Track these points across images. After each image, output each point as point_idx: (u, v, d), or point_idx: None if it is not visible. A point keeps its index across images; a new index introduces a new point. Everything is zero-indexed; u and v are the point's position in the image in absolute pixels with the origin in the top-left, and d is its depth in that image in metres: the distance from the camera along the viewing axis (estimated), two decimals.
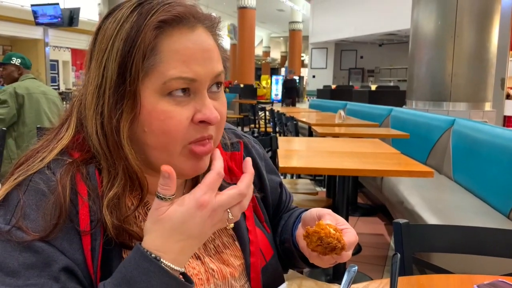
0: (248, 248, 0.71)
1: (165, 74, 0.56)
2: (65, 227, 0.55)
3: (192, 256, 0.65)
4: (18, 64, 3.24)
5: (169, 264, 0.52)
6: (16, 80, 3.23)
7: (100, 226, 0.57)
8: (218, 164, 0.56)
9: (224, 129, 0.78)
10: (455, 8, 4.37)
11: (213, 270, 0.66)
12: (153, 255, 0.51)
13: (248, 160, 0.59)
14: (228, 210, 0.55)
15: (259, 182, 0.80)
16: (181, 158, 0.60)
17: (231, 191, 0.55)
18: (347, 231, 0.67)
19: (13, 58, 3.24)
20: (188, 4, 0.60)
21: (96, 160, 0.60)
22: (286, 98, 13.64)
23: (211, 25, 0.62)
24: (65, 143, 0.61)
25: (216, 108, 0.60)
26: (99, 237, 0.57)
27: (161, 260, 0.51)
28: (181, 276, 0.53)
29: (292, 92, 13.49)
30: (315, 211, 0.71)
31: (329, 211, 0.70)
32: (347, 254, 0.66)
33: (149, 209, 0.65)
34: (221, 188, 0.72)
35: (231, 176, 0.73)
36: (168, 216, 0.53)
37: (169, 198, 0.53)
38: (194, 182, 0.71)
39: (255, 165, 0.80)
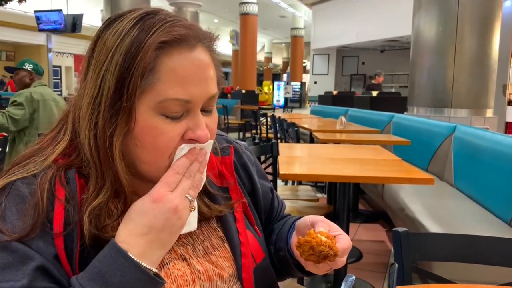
0: (239, 250, 0.71)
1: (161, 93, 0.57)
2: (42, 229, 0.57)
3: (178, 257, 0.66)
4: (30, 69, 3.30)
5: (135, 258, 0.53)
6: (28, 85, 3.28)
7: (77, 229, 0.58)
8: (177, 162, 0.59)
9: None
10: (456, 15, 4.38)
11: (199, 272, 0.66)
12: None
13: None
14: (187, 195, 0.58)
15: (250, 186, 0.81)
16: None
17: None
18: (340, 237, 0.67)
19: (25, 63, 3.31)
20: (189, 24, 0.61)
21: (80, 165, 0.61)
22: None
23: (210, 43, 0.63)
24: (62, 149, 0.63)
25: (207, 125, 0.62)
26: (76, 238, 0.57)
27: (128, 253, 0.53)
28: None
29: None
30: (308, 218, 0.71)
31: (322, 218, 0.70)
32: (342, 260, 0.66)
33: None
34: (212, 198, 0.72)
35: (222, 180, 0.75)
36: (131, 208, 0.56)
37: None
38: None
39: (247, 169, 0.81)
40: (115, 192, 0.61)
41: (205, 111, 0.63)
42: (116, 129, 0.57)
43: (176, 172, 0.57)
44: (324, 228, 0.67)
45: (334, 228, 0.69)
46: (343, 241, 0.66)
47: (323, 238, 0.63)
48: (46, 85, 3.35)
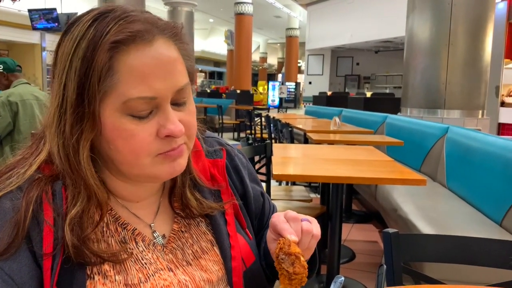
0: (229, 253, 0.70)
1: (124, 94, 0.55)
2: (21, 248, 0.54)
3: (164, 268, 0.64)
4: (1, 70, 3.19)
5: None
6: (8, 85, 3.19)
7: (61, 245, 0.56)
8: None
9: (208, 137, 0.78)
10: (449, 16, 4.40)
11: (186, 281, 0.65)
12: None
13: None
14: None
15: (242, 189, 0.79)
16: (153, 167, 0.60)
17: None
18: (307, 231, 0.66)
19: None
20: (145, 17, 0.58)
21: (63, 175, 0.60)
22: None
23: (173, 34, 0.60)
24: (43, 158, 0.61)
25: (182, 119, 0.60)
26: (59, 255, 0.56)
27: None
28: None
29: None
30: (269, 233, 0.69)
31: (279, 220, 0.66)
32: (317, 229, 0.67)
33: (119, 222, 0.64)
34: (203, 193, 0.72)
35: (213, 183, 0.74)
36: None
37: None
38: (172, 183, 0.71)
39: (238, 172, 0.79)
40: (92, 200, 0.59)
41: (177, 104, 0.60)
42: (82, 135, 0.56)
43: None
44: (292, 236, 0.63)
45: (300, 217, 0.67)
46: (315, 227, 0.67)
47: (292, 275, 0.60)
48: (27, 83, 3.25)
